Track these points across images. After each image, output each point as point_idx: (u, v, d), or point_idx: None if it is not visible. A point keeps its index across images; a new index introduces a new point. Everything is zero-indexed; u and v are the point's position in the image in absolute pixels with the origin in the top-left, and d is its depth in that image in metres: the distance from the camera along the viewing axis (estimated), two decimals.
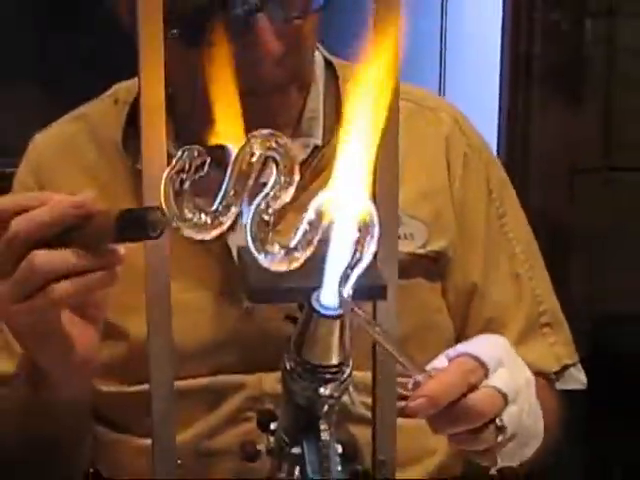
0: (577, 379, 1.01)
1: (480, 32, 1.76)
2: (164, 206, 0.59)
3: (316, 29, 0.92)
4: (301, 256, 0.59)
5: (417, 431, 0.87)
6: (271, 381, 0.84)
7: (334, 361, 0.64)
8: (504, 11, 1.68)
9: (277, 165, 0.59)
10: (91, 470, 0.75)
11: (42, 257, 0.66)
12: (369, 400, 0.80)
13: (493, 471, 0.75)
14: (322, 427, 0.65)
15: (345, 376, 0.65)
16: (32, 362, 0.77)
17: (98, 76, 1.04)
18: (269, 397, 0.87)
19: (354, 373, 0.77)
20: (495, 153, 1.32)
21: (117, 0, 0.91)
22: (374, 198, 0.76)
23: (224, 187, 0.59)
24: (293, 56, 0.89)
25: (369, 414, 0.80)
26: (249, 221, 0.58)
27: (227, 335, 0.89)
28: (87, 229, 0.67)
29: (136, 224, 0.62)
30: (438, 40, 1.80)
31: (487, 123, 1.63)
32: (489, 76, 1.72)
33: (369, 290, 0.69)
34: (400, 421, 0.78)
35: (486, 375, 0.71)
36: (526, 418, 0.75)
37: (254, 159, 0.59)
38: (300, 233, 0.58)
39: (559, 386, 0.99)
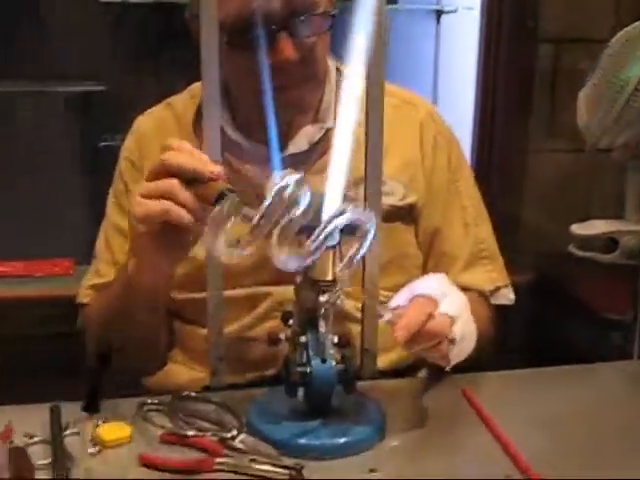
0: (507, 297, 1.28)
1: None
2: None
3: (327, 42, 1.17)
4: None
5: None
6: (290, 291, 0.98)
7: (329, 277, 0.92)
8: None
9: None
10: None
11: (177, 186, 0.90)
12: (360, 305, 1.10)
13: (448, 369, 1.00)
14: (320, 323, 0.93)
15: (336, 289, 0.92)
16: (128, 273, 1.02)
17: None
18: (289, 302, 1.05)
19: (353, 287, 1.07)
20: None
21: (190, 20, 1.15)
22: (365, 167, 1.05)
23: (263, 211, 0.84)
24: (308, 61, 1.13)
25: (359, 315, 1.10)
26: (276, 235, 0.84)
27: (262, 259, 1.09)
28: (199, 189, 0.91)
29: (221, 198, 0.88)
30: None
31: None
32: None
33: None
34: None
35: (436, 305, 0.96)
36: (466, 328, 1.00)
37: (286, 193, 0.84)
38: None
39: (494, 301, 1.27)
